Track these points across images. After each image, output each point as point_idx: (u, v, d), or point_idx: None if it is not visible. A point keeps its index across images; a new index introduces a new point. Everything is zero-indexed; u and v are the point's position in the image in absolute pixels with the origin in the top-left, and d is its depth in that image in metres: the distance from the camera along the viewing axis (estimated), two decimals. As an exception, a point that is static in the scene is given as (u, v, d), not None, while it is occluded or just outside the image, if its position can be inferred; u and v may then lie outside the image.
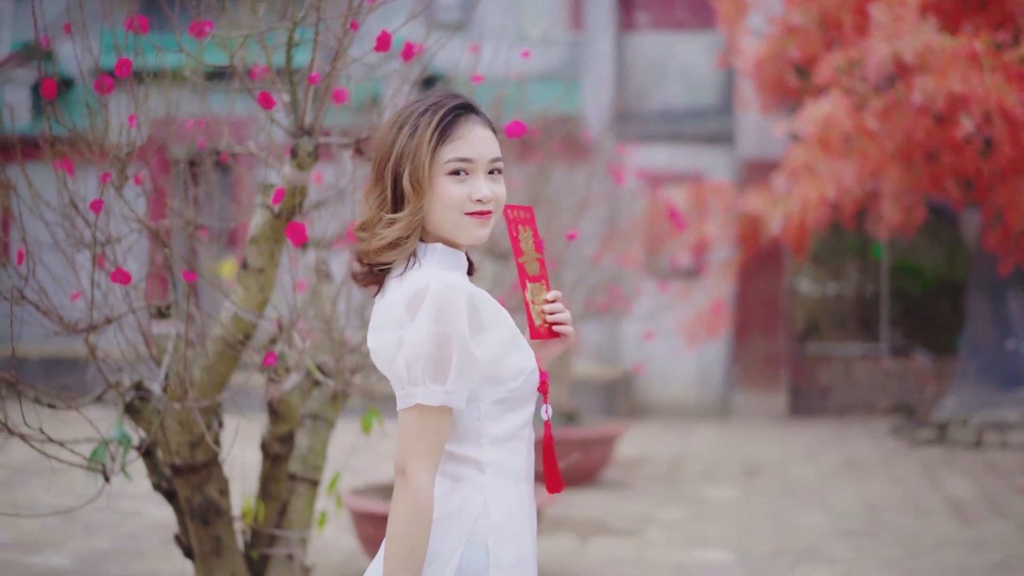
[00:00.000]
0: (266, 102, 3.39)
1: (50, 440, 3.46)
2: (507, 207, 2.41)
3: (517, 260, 2.41)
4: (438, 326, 2.18)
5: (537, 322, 2.40)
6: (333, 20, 3.46)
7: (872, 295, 15.17)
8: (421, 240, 2.30)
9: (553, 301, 2.41)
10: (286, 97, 3.60)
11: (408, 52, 3.56)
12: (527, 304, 2.40)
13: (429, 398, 2.20)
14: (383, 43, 3.23)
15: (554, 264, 7.17)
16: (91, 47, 3.57)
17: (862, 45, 10.24)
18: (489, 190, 2.27)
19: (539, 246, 2.45)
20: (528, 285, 2.40)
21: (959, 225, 12.55)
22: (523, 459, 2.33)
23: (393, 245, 2.26)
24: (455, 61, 4.91)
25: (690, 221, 12.49)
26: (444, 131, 2.23)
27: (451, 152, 2.23)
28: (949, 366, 13.82)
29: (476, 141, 2.25)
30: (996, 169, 10.43)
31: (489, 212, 2.28)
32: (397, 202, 2.26)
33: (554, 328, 2.42)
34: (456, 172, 2.24)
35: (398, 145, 2.24)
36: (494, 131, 2.31)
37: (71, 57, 3.60)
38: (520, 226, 2.43)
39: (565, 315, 2.41)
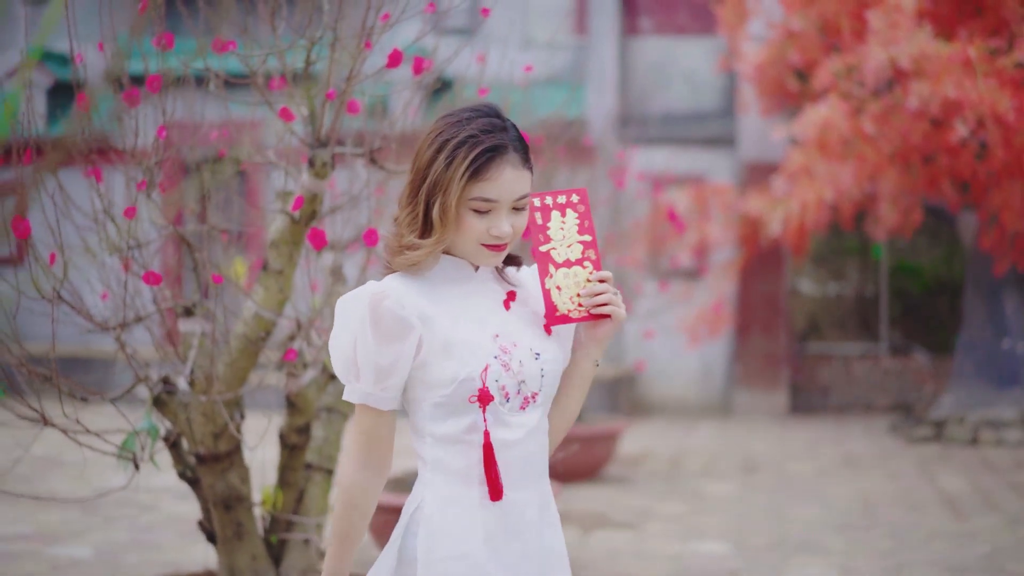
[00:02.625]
0: (286, 116, 3.61)
1: (87, 431, 3.67)
2: (543, 194, 2.45)
3: (538, 249, 2.41)
4: (345, 331, 2.35)
5: (563, 309, 2.41)
6: (348, 39, 3.67)
7: (871, 295, 15.28)
8: None
9: (602, 282, 2.42)
10: (304, 110, 3.82)
11: (418, 67, 3.74)
12: (545, 292, 2.41)
13: (351, 395, 2.38)
14: (394, 60, 3.43)
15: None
16: (120, 57, 3.78)
17: (860, 51, 10.38)
18: (509, 226, 2.34)
19: (585, 229, 2.43)
20: (555, 272, 2.42)
21: (956, 226, 12.67)
22: (471, 462, 2.37)
23: (414, 264, 2.38)
24: (463, 66, 5.05)
25: (692, 222, 12.61)
26: (476, 171, 2.30)
27: (479, 191, 2.31)
28: (947, 365, 13.91)
29: (505, 182, 2.32)
30: (991, 172, 10.60)
31: (504, 245, 2.38)
32: (426, 224, 2.36)
33: (594, 310, 2.41)
34: (480, 209, 2.33)
35: (434, 171, 2.32)
36: (529, 164, 2.37)
37: (87, 59, 3.75)
38: (557, 212, 2.44)
39: (607, 296, 2.41)
